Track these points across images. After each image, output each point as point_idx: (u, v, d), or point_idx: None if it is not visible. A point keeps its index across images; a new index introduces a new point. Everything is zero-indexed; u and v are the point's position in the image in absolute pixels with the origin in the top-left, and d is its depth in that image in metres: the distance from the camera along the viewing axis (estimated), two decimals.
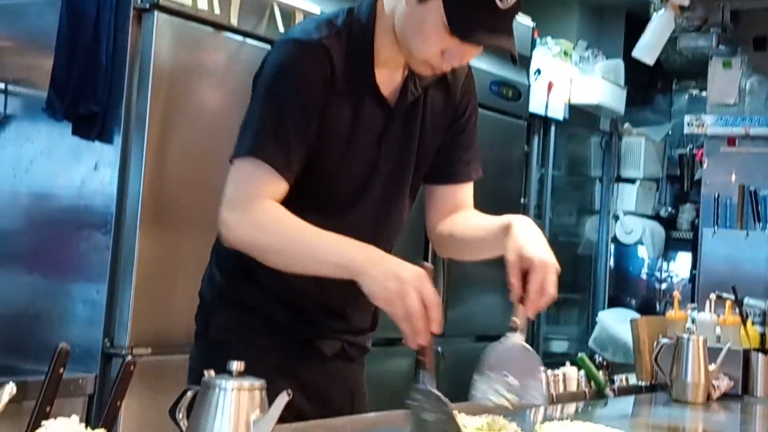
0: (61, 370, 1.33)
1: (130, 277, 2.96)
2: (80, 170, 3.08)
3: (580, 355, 3.29)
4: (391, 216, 1.95)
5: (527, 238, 1.73)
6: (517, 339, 1.68)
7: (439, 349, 4.29)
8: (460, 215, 2.01)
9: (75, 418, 1.24)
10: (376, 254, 1.67)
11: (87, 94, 2.96)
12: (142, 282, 2.97)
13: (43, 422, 1.23)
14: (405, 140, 1.92)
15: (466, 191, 2.04)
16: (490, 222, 1.89)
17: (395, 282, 1.59)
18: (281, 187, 1.76)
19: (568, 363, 3.67)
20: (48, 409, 1.31)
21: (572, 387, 3.56)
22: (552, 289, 1.68)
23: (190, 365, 1.97)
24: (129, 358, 1.50)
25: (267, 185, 1.75)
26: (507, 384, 1.64)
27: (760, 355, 3.17)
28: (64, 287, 3.09)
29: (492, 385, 1.63)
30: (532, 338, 5.61)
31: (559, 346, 6.13)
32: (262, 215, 1.74)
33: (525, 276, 1.69)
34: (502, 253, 1.76)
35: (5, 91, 3.23)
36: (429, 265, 1.65)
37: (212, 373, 1.51)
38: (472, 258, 2.02)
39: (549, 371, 3.71)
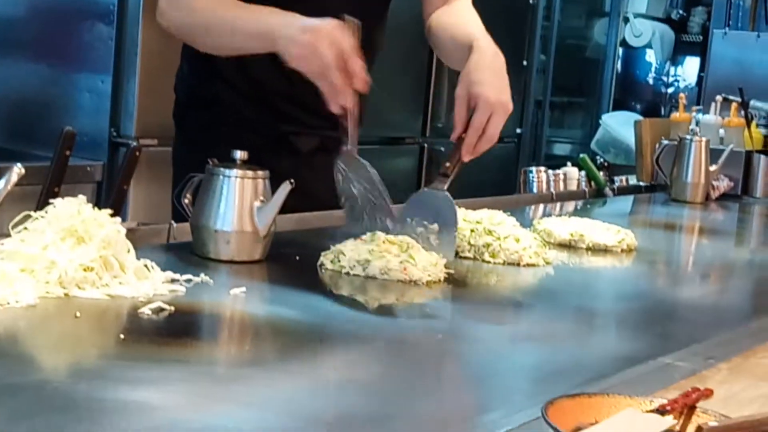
0: (67, 152, 1.34)
1: (135, 67, 2.98)
2: None
3: (581, 155, 3.31)
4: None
5: (482, 72, 1.61)
6: (443, 187, 1.61)
7: (443, 149, 4.31)
8: (447, 11, 1.89)
9: (82, 197, 1.26)
10: (295, 17, 1.55)
11: None
12: (147, 73, 2.98)
13: (51, 201, 1.25)
14: None
15: None
16: (461, 34, 1.77)
17: (308, 34, 1.47)
18: None
19: (569, 164, 3.69)
20: (56, 189, 1.33)
21: (573, 187, 3.60)
22: (494, 132, 1.58)
23: (172, 162, 1.98)
24: (135, 144, 1.50)
25: None
26: (425, 231, 1.60)
27: (762, 157, 3.19)
28: (69, 76, 3.11)
29: (408, 231, 1.59)
30: (535, 141, 5.63)
31: (561, 148, 6.16)
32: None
33: (472, 113, 1.59)
34: None
35: None
36: (353, 19, 1.53)
37: (215, 161, 1.52)
38: (448, 65, 1.94)
39: (550, 171, 3.75)
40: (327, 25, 1.49)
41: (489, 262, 1.69)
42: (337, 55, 1.47)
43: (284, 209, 1.50)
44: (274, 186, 1.50)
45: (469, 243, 1.71)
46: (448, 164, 1.62)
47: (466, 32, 1.76)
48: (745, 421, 0.87)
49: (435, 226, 1.61)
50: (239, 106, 1.87)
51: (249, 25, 1.62)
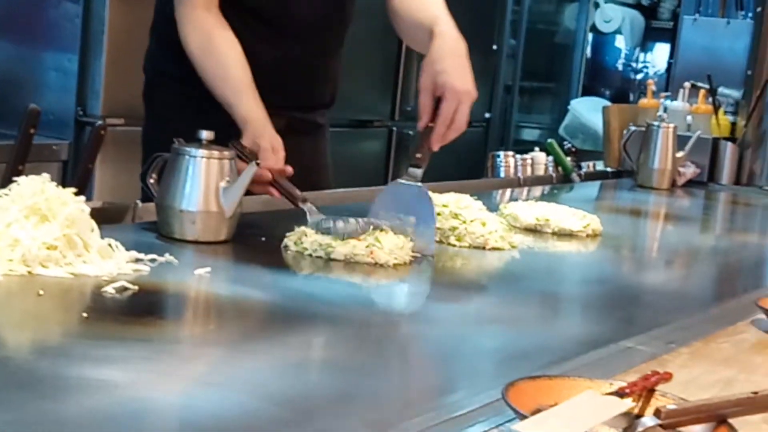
0: (32, 130, 1.32)
1: (101, 46, 2.95)
2: None
3: (549, 140, 3.32)
4: None
5: (446, 61, 1.61)
6: (417, 180, 1.60)
7: (411, 132, 4.32)
8: None
9: (46, 176, 1.25)
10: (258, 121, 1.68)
11: None
12: (114, 52, 2.95)
13: (15, 179, 1.24)
14: None
15: None
16: (423, 16, 1.76)
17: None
18: None
19: (537, 149, 3.71)
20: (20, 167, 1.31)
21: (540, 172, 3.62)
22: (463, 121, 1.58)
23: (141, 139, 1.96)
24: (100, 123, 1.49)
25: None
26: (401, 224, 1.57)
27: (729, 144, 3.23)
28: (35, 54, 3.07)
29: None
30: (504, 126, 5.65)
31: (530, 133, 6.18)
32: (209, 37, 1.73)
33: (437, 102, 1.59)
34: None
35: None
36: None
37: (182, 140, 1.51)
38: (409, 45, 1.93)
39: (518, 156, 3.76)
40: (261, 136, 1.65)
41: (455, 245, 1.70)
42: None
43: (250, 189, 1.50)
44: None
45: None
46: (419, 155, 1.61)
47: (428, 15, 1.75)
48: (703, 405, 0.88)
49: (412, 219, 1.60)
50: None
51: (231, 108, 1.71)
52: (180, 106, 1.88)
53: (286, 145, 1.92)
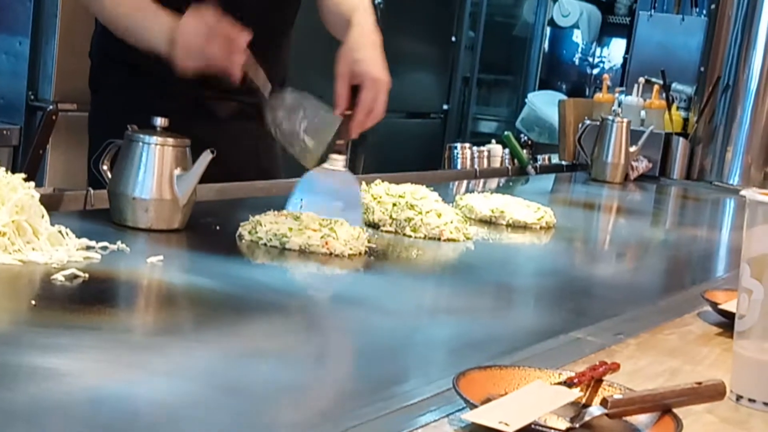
0: None
1: (54, 29, 2.91)
2: None
3: (506, 133, 3.34)
4: None
5: (364, 50, 1.64)
6: (340, 165, 1.63)
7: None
8: None
9: None
10: (162, 29, 1.63)
11: None
12: (66, 35, 2.91)
13: None
14: None
15: None
16: (344, 7, 1.78)
17: (174, 46, 1.57)
18: None
19: (493, 141, 3.73)
20: None
21: (496, 164, 3.64)
22: (381, 108, 1.61)
23: (88, 126, 1.93)
24: (51, 107, 1.47)
25: None
26: (330, 210, 1.59)
27: (681, 139, 3.27)
28: None
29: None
30: (461, 118, 5.67)
31: (487, 126, 6.21)
32: None
33: (353, 90, 1.61)
34: None
35: None
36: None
37: (135, 127, 1.50)
38: (332, 34, 1.96)
39: (474, 148, 3.78)
40: (183, 24, 1.57)
41: (410, 236, 1.70)
42: (208, 41, 1.56)
43: (205, 176, 1.49)
44: (193, 152, 1.48)
45: (390, 217, 1.72)
46: (340, 141, 1.63)
47: (348, 5, 1.78)
48: (648, 395, 0.90)
49: (339, 204, 1.61)
50: (158, 70, 1.84)
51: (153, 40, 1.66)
52: (127, 92, 1.86)
53: (234, 131, 1.91)
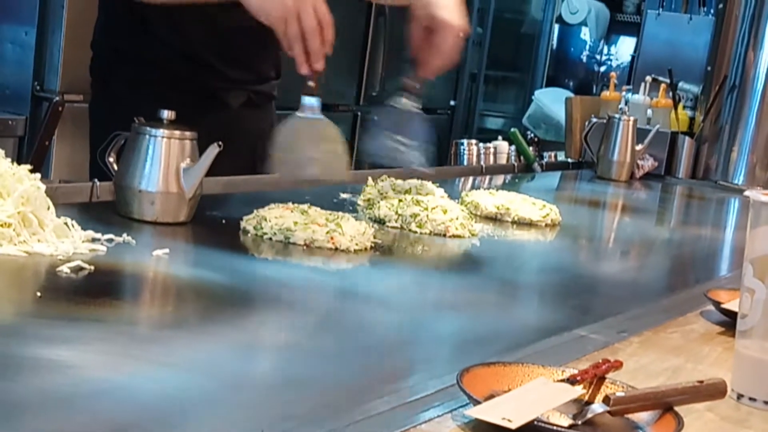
0: None
1: (60, 20, 2.91)
2: None
3: (512, 130, 3.34)
4: None
5: None
6: (418, 105, 1.63)
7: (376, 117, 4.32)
8: None
9: (1, 151, 1.23)
10: None
11: None
12: (73, 26, 2.91)
13: None
14: None
15: None
16: None
17: None
18: None
19: (500, 137, 3.72)
20: None
21: (502, 160, 3.64)
22: (453, 52, 1.62)
23: (91, 120, 1.92)
24: (57, 99, 1.47)
25: None
26: (400, 145, 1.62)
27: (687, 138, 3.27)
28: None
29: (384, 144, 1.61)
30: (468, 114, 5.67)
31: (494, 122, 6.21)
32: None
33: (428, 35, 1.62)
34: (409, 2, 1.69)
35: None
36: None
37: (142, 119, 1.50)
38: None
39: (481, 144, 3.78)
40: None
41: (416, 232, 1.71)
42: (317, 21, 1.50)
43: (211, 168, 1.49)
44: (201, 142, 1.48)
45: (396, 213, 1.73)
46: (416, 84, 1.63)
47: None
48: (650, 393, 0.90)
49: (402, 142, 1.63)
50: (171, 63, 1.85)
51: None
52: (136, 84, 1.86)
53: (243, 120, 1.91)
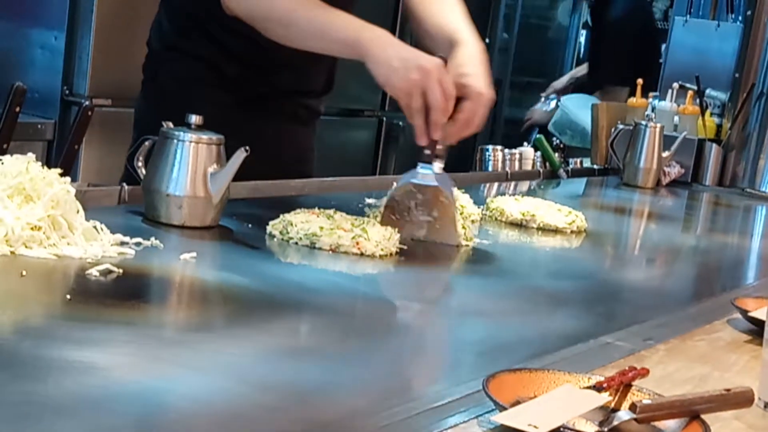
0: (17, 108, 1.32)
1: (89, 24, 2.93)
2: None
3: (538, 136, 3.33)
4: None
5: (470, 65, 1.67)
6: (437, 169, 1.63)
7: (401, 123, 4.33)
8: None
9: (31, 155, 1.25)
10: (385, 35, 1.64)
11: None
12: (102, 31, 2.94)
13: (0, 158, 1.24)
14: None
15: None
16: (445, 25, 1.81)
17: (418, 72, 1.55)
18: None
19: (525, 144, 3.72)
20: (5, 146, 1.31)
21: (528, 167, 3.63)
22: (480, 122, 1.63)
23: (136, 116, 1.95)
24: (87, 103, 1.48)
25: None
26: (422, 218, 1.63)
27: (714, 146, 3.25)
28: (21, 31, 3.05)
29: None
30: (494, 120, 5.65)
31: (519, 128, 6.19)
32: None
33: (457, 102, 1.62)
34: None
35: None
36: (443, 55, 1.62)
37: (170, 124, 1.51)
38: (429, 49, 1.97)
39: (506, 150, 3.77)
40: (434, 66, 1.56)
41: None
42: (446, 99, 1.55)
43: (243, 172, 1.50)
44: (235, 148, 1.49)
45: None
46: (440, 146, 1.63)
47: (451, 21, 1.81)
48: (677, 400, 0.90)
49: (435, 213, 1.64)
50: (223, 64, 1.86)
51: (339, 33, 1.67)
52: (187, 82, 1.87)
53: (286, 133, 1.93)
